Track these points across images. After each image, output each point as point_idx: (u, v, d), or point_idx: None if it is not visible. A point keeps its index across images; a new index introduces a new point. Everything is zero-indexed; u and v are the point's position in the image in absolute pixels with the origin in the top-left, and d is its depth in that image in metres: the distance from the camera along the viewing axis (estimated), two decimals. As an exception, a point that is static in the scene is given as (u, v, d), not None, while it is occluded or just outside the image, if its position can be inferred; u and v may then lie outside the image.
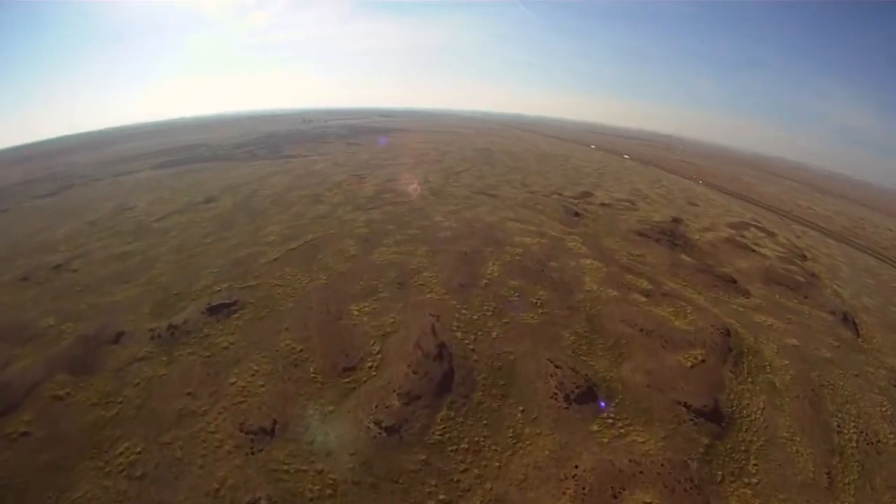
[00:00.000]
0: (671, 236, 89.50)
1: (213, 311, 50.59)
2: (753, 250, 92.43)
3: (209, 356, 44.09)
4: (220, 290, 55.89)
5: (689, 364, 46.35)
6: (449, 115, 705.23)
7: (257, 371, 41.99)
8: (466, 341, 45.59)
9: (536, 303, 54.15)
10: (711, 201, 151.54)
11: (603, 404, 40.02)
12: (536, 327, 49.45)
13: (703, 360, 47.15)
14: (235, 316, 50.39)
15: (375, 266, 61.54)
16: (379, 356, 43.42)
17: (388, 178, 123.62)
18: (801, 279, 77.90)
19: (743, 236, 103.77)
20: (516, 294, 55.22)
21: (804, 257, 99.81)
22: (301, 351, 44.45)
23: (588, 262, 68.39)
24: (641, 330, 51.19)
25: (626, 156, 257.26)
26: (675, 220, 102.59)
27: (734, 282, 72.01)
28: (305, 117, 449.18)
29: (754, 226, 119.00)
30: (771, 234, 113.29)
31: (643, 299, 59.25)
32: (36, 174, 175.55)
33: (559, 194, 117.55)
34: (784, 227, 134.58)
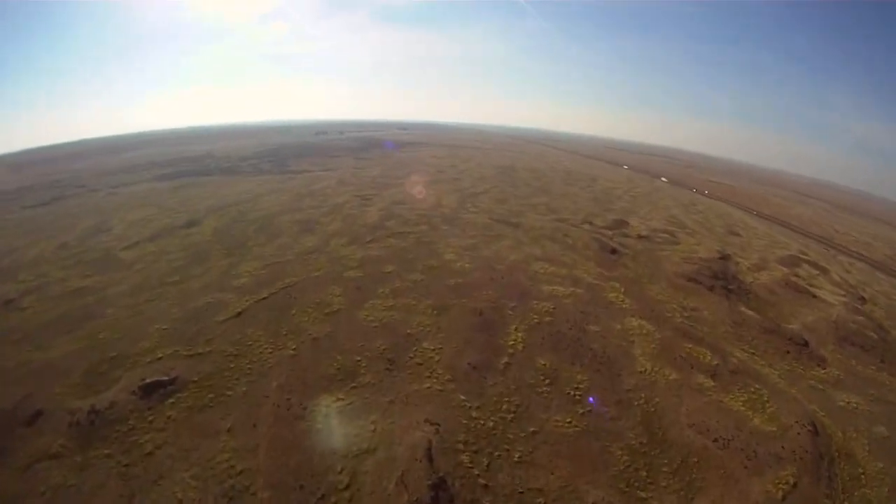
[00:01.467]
0: (724, 280, 75.24)
1: (146, 391, 38.50)
2: (814, 296, 78.11)
3: (127, 466, 32.09)
4: (161, 358, 43.66)
5: (780, 494, 33.09)
6: (467, 130, 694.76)
7: (180, 502, 28.90)
8: (477, 471, 31.26)
9: (574, 395, 39.81)
10: (752, 229, 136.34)
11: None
12: (576, 440, 35.14)
13: (794, 485, 34.18)
14: (171, 401, 37.94)
15: (362, 329, 47.72)
16: (347, 493, 29.49)
17: (396, 201, 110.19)
18: (873, 335, 63.96)
19: (797, 276, 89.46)
20: (547, 382, 40.96)
21: (863, 299, 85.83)
22: (241, 473, 31.02)
23: (635, 322, 54.05)
24: (716, 440, 37.14)
25: (663, 179, 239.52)
26: (723, 258, 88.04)
27: (806, 345, 58.29)
28: (319, 129, 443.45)
29: (805, 260, 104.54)
30: (824, 271, 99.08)
31: (710, 383, 44.94)
32: (38, 180, 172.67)
33: (590, 223, 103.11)
34: (832, 259, 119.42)
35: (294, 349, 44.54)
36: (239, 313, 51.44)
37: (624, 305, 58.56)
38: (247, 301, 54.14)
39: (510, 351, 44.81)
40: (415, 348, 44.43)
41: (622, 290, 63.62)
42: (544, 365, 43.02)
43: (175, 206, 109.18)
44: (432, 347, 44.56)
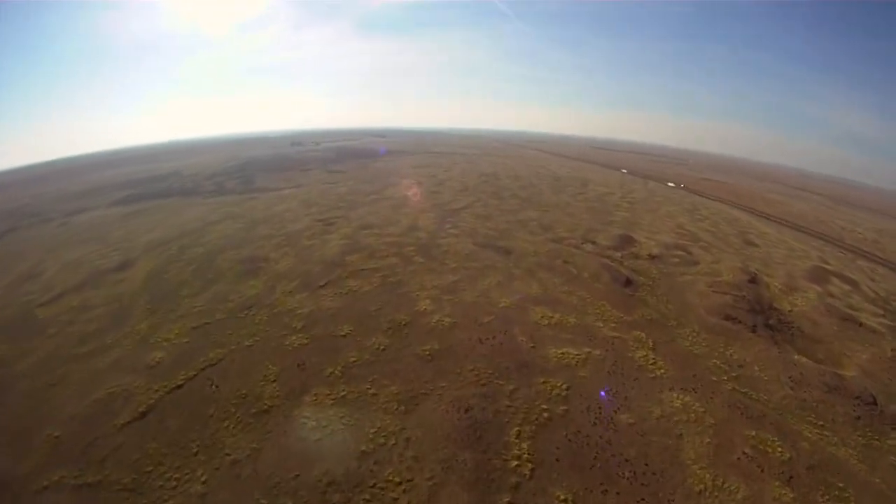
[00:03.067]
0: (762, 313, 62.67)
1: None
2: (860, 323, 65.76)
3: None
4: (47, 487, 30.95)
5: None
6: (448, 134, 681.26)
7: None
8: None
9: (615, 563, 26.02)
10: (765, 235, 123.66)
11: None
12: None
13: None
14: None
15: (298, 446, 33.32)
16: None
17: (364, 225, 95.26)
18: (935, 375, 52.22)
19: (832, 295, 77.34)
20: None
21: (901, 317, 73.99)
22: None
23: (678, 400, 40.15)
24: None
25: (670, 183, 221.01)
26: (752, 280, 75.07)
27: (874, 402, 46.14)
28: (295, 140, 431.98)
29: (830, 272, 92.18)
30: (854, 284, 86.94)
31: (789, 495, 31.64)
32: (1, 207, 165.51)
33: (592, 242, 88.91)
34: (853, 266, 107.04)
35: (204, 482, 30.45)
36: (143, 413, 37.50)
37: (658, 371, 44.57)
38: (157, 391, 40.02)
39: (513, 480, 30.20)
40: (371, 483, 29.71)
41: (650, 343, 49.82)
42: (565, 502, 29.00)
43: (116, 241, 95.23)
44: (397, 480, 29.89)
